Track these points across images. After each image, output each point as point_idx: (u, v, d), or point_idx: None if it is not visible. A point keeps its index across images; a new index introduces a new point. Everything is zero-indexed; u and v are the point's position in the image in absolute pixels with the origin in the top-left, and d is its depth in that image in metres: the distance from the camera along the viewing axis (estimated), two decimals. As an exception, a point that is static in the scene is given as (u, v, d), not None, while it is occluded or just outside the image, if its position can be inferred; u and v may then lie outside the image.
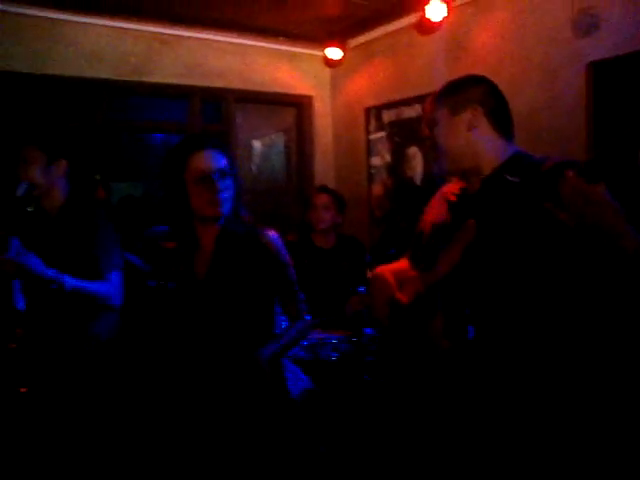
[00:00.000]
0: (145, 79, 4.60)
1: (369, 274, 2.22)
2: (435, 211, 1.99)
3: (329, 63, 5.29)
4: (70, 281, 2.36)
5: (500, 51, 4.02)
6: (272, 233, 2.24)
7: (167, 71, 4.69)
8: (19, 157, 2.57)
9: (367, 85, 5.11)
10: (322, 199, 3.98)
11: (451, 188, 1.98)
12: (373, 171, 5.08)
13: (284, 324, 2.42)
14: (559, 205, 1.55)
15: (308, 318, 2.48)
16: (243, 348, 2.10)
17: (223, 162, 2.14)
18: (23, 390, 2.43)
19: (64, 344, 2.47)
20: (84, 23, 4.32)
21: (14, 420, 2.45)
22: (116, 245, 2.56)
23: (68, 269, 2.41)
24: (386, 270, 2.07)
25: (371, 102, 5.06)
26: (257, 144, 5.58)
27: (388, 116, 4.90)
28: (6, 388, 2.46)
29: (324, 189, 4.20)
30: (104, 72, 4.43)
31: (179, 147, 2.17)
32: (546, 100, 3.77)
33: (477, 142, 1.80)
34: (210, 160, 2.12)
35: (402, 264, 2.06)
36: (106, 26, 4.41)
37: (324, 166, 5.49)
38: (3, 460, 2.38)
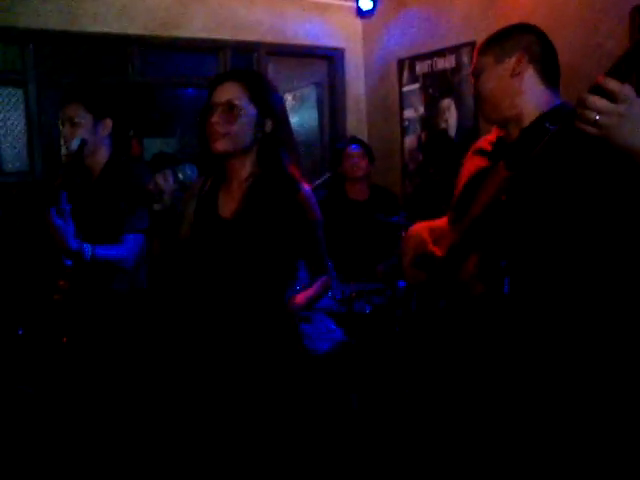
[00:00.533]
0: (175, 34, 4.57)
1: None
2: (469, 165, 1.98)
3: (361, 14, 5.20)
4: (89, 252, 2.36)
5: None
6: (307, 188, 2.11)
7: (197, 25, 4.65)
8: (64, 116, 2.58)
9: (400, 36, 5.00)
10: (355, 149, 4.03)
11: (487, 139, 1.96)
12: (406, 124, 5.02)
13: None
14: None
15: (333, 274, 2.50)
16: (264, 297, 2.04)
17: (235, 94, 2.00)
18: (64, 340, 2.51)
19: (92, 298, 2.54)
20: (113, -22, 4.29)
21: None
22: (144, 206, 2.53)
23: (94, 230, 2.45)
24: (421, 227, 2.07)
25: (404, 54, 4.97)
26: (289, 97, 5.54)
27: (421, 68, 4.81)
28: (51, 338, 2.55)
29: (355, 139, 4.23)
30: (134, 28, 4.41)
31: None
32: (585, 50, 3.62)
33: (520, 89, 1.78)
34: (220, 93, 2.01)
35: (439, 222, 2.05)
36: (136, -19, 4.38)
37: (356, 119, 5.44)
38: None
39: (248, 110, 2.01)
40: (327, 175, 3.81)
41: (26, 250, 3.15)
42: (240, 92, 2.01)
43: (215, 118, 1.99)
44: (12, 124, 4.14)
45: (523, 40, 1.80)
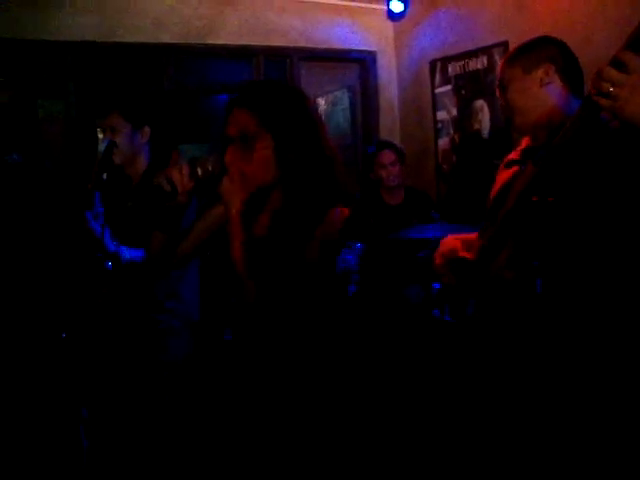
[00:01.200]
0: (209, 42, 4.65)
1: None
2: (500, 177, 2.02)
3: (392, 17, 5.20)
4: (126, 255, 2.42)
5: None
6: (337, 214, 1.80)
7: (230, 33, 4.72)
8: (103, 126, 2.64)
9: (431, 38, 5.00)
10: (389, 156, 3.99)
11: (517, 151, 2.02)
12: (439, 125, 5.01)
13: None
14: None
15: None
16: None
17: (248, 125, 1.74)
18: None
19: (129, 307, 2.59)
20: (149, -11, 4.39)
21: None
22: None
23: (133, 235, 2.49)
24: (454, 237, 2.12)
25: (436, 55, 4.96)
26: (322, 102, 5.58)
27: (454, 69, 4.80)
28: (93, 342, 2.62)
29: (387, 145, 4.18)
30: (169, 37, 4.50)
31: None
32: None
33: (549, 98, 1.86)
34: (231, 124, 1.78)
35: (471, 236, 2.09)
36: (169, -9, 4.47)
37: (389, 122, 5.45)
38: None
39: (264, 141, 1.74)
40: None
41: (65, 253, 3.22)
42: (251, 118, 1.74)
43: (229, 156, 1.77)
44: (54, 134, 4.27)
45: (548, 51, 1.89)
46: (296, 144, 1.73)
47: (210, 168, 1.74)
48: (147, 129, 2.68)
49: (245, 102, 1.76)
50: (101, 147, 2.56)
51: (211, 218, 1.97)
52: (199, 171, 1.73)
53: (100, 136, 2.68)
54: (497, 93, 2.02)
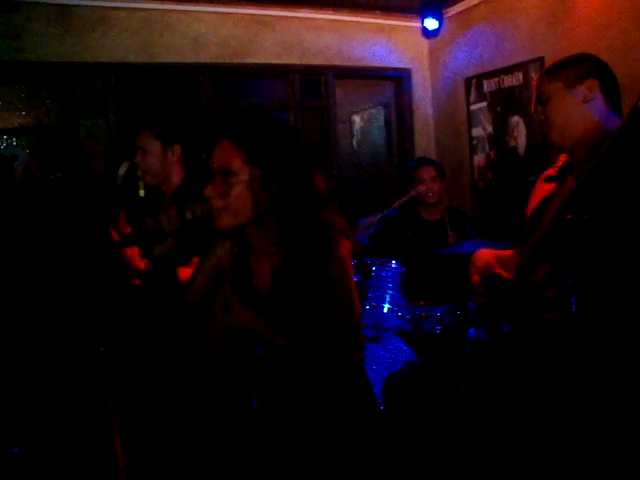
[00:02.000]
0: (246, 60, 4.73)
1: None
2: (538, 193, 1.99)
3: (427, 34, 5.24)
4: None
5: (608, 9, 3.79)
6: (342, 251, 1.71)
7: (266, 52, 4.79)
8: (137, 145, 2.69)
9: (466, 55, 5.00)
10: (429, 172, 3.95)
11: (554, 167, 1.98)
12: (475, 142, 5.00)
13: None
14: None
15: None
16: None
17: (229, 158, 1.66)
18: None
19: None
20: (187, 11, 4.48)
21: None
22: None
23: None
24: (488, 251, 2.08)
25: (471, 72, 4.96)
26: (357, 119, 5.61)
27: (489, 85, 4.79)
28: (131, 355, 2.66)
29: (425, 160, 4.16)
30: (206, 56, 4.59)
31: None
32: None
33: (590, 114, 1.82)
34: (215, 156, 1.71)
35: (505, 252, 2.06)
36: (207, 12, 4.55)
37: (425, 139, 5.45)
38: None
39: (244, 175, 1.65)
40: (410, 195, 3.76)
41: (95, 270, 3.28)
42: (237, 153, 1.66)
43: (214, 187, 1.68)
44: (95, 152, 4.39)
45: (590, 67, 1.85)
46: (279, 179, 1.66)
47: (199, 212, 1.68)
48: (177, 147, 2.69)
49: (230, 134, 1.70)
50: (121, 170, 2.62)
51: (216, 256, 1.84)
52: (188, 214, 1.69)
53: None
54: (534, 108, 1.95)
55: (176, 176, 2.72)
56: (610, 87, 1.85)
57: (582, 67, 1.85)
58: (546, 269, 1.77)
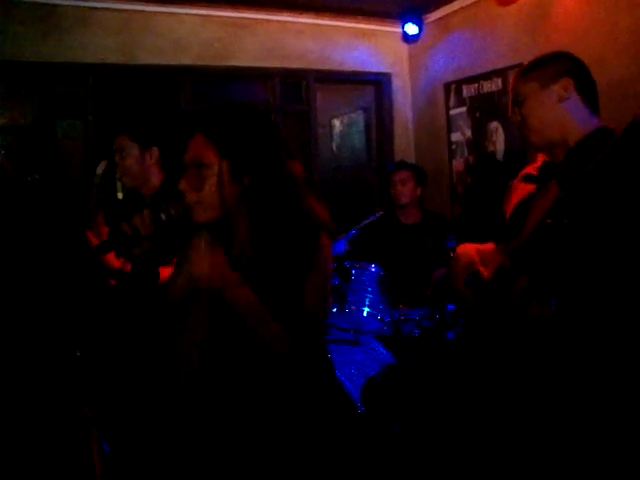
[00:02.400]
0: (226, 63, 4.71)
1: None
2: (518, 192, 1.99)
3: (407, 39, 5.26)
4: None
5: (586, 17, 3.86)
6: (326, 246, 1.70)
7: (247, 55, 4.79)
8: (114, 147, 2.66)
9: (446, 60, 5.04)
10: (399, 175, 4.02)
11: (533, 166, 1.98)
12: (454, 147, 5.04)
13: None
14: None
15: None
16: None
17: (201, 151, 1.67)
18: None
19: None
20: (168, 13, 4.46)
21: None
22: None
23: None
24: (470, 247, 2.07)
25: (450, 77, 5.00)
26: (337, 123, 5.62)
27: (468, 91, 4.83)
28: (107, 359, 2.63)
29: (401, 164, 4.22)
30: (188, 59, 4.57)
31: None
32: (637, 71, 3.59)
33: (567, 114, 1.80)
34: (188, 150, 1.71)
35: (487, 246, 2.06)
36: (188, 14, 4.54)
37: (404, 143, 5.48)
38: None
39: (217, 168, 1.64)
40: (374, 216, 3.79)
41: (71, 271, 3.23)
42: (208, 146, 1.65)
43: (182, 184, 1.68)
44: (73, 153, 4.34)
45: (565, 65, 1.83)
46: (250, 170, 1.64)
47: (173, 212, 1.68)
48: (155, 149, 2.67)
49: (201, 128, 1.68)
50: (98, 170, 2.60)
51: None
52: (162, 216, 1.69)
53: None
54: (511, 110, 1.93)
55: (155, 178, 2.70)
56: (586, 86, 1.83)
57: (557, 66, 1.83)
58: (529, 277, 1.77)
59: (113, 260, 2.49)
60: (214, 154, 1.64)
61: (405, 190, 3.99)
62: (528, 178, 1.96)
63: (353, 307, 3.31)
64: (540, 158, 1.96)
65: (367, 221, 3.70)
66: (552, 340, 1.72)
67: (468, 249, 2.06)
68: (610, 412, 1.65)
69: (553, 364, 1.73)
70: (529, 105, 1.84)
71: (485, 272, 1.91)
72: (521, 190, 1.97)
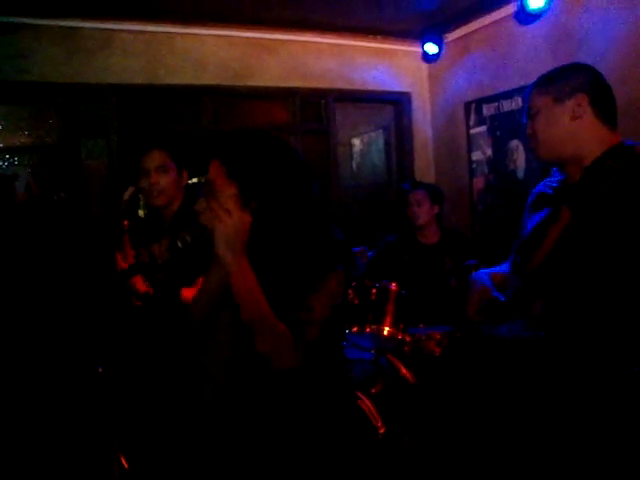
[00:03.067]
0: (247, 83, 4.77)
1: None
2: (532, 214, 1.97)
3: (427, 59, 5.29)
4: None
5: (606, 36, 3.85)
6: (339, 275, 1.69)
7: (268, 75, 4.84)
8: (146, 165, 2.63)
9: (466, 79, 5.05)
10: (415, 195, 4.01)
11: (547, 183, 1.96)
12: (474, 166, 5.03)
13: None
14: None
15: None
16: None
17: (215, 175, 1.69)
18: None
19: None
20: (190, 34, 4.53)
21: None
22: None
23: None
24: (484, 274, 2.06)
25: (471, 96, 5.01)
26: (357, 142, 5.65)
27: (488, 110, 4.83)
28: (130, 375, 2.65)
29: (416, 184, 4.21)
30: (208, 79, 4.63)
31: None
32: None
33: (580, 131, 1.76)
34: (208, 173, 1.74)
35: (500, 269, 2.06)
36: (210, 35, 4.60)
37: (424, 162, 5.48)
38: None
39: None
40: (391, 237, 3.80)
41: (97, 290, 3.27)
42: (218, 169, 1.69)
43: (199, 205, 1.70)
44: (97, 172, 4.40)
45: (582, 80, 1.78)
46: (257, 195, 1.65)
47: (189, 239, 1.71)
48: (186, 172, 2.70)
49: (217, 152, 1.72)
50: (125, 195, 2.60)
51: (218, 274, 1.78)
52: (179, 243, 1.71)
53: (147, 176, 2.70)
54: (525, 122, 1.88)
55: (178, 200, 2.71)
56: (603, 101, 1.78)
57: (572, 81, 1.78)
58: (545, 298, 1.76)
59: (139, 283, 2.51)
60: (225, 178, 1.66)
61: (421, 211, 3.97)
62: (542, 197, 1.94)
63: (373, 326, 3.30)
64: (557, 174, 1.94)
65: (385, 242, 3.72)
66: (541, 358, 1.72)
67: (482, 276, 2.04)
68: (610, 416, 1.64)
69: (558, 380, 1.72)
70: (541, 119, 1.80)
71: (501, 297, 1.89)
72: (535, 210, 1.96)
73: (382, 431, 2.89)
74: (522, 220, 2.03)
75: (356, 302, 3.35)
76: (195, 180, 4.67)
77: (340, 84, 5.10)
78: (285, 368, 1.63)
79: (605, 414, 1.64)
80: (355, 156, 5.61)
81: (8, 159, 4.18)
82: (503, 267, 2.08)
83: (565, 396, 1.71)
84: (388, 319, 3.32)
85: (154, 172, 2.61)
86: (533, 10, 4.19)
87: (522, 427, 1.85)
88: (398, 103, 5.45)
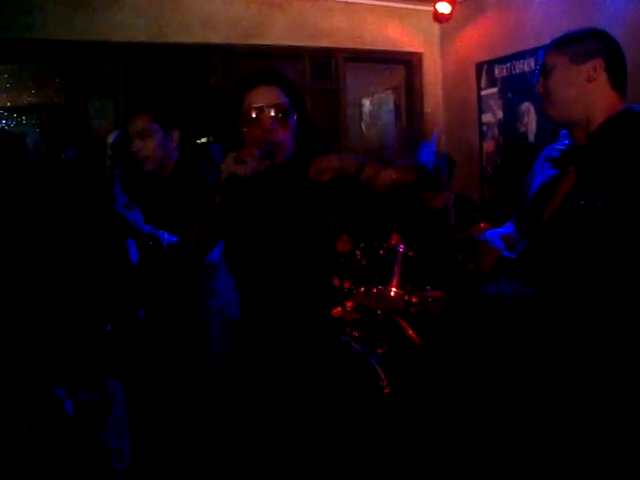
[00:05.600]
0: (256, 42, 4.70)
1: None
2: (539, 175, 1.98)
3: (438, 18, 5.18)
4: (166, 237, 2.33)
5: (623, -3, 3.77)
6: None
7: (277, 33, 4.77)
8: (130, 129, 2.55)
9: (478, 40, 4.97)
10: None
11: (555, 147, 1.97)
12: (485, 128, 4.98)
13: None
14: None
15: None
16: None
17: (280, 99, 1.82)
18: None
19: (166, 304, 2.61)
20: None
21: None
22: None
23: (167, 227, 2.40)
24: (493, 233, 2.09)
25: (482, 57, 4.93)
26: (367, 102, 5.59)
27: (500, 71, 4.76)
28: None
29: None
30: (217, 37, 4.57)
31: (234, 88, 1.89)
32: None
33: (592, 94, 1.79)
34: (262, 96, 1.81)
35: (509, 228, 2.08)
36: (219, -8, 4.54)
37: (434, 124, 5.43)
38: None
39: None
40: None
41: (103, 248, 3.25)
42: (283, 96, 1.83)
43: (271, 123, 1.80)
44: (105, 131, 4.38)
45: (600, 46, 1.81)
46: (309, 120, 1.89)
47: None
48: (177, 133, 2.59)
49: (275, 81, 1.85)
50: (109, 139, 2.52)
51: None
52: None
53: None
54: (536, 80, 1.90)
55: (171, 162, 2.61)
56: (616, 68, 1.81)
57: (590, 44, 1.81)
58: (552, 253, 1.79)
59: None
60: (290, 106, 1.85)
61: None
62: (550, 160, 1.96)
63: (380, 287, 3.32)
64: (563, 140, 1.95)
65: None
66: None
67: (492, 235, 2.07)
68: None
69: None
70: (556, 77, 1.82)
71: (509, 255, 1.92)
72: (542, 172, 1.97)
73: (387, 391, 2.93)
74: (527, 180, 2.05)
75: (363, 263, 3.36)
76: (204, 140, 4.67)
77: (350, 43, 5.03)
78: None
79: (605, 368, 1.67)
80: (365, 117, 5.56)
81: (15, 118, 4.17)
82: (507, 227, 2.10)
83: (564, 353, 1.74)
84: (395, 280, 3.34)
85: (136, 138, 2.53)
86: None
87: (524, 387, 1.88)
88: (409, 64, 5.37)
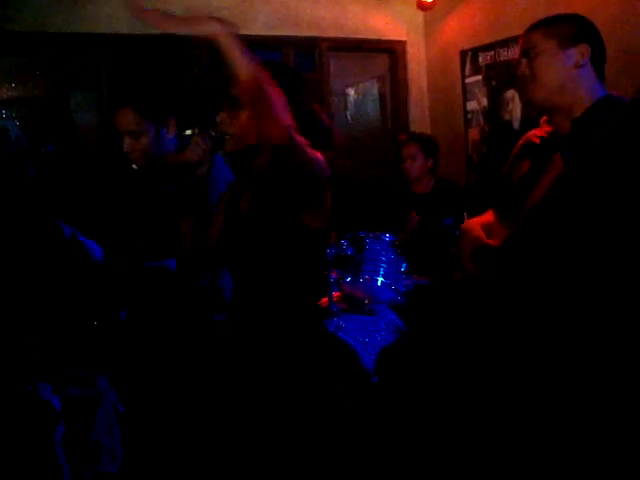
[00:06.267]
0: (239, 32, 4.65)
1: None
2: (520, 163, 1.98)
3: (422, 6, 5.15)
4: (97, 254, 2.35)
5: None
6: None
7: (260, 23, 4.74)
8: (127, 128, 2.46)
9: (462, 27, 4.96)
10: (408, 150, 4.01)
11: (535, 133, 1.96)
12: (469, 116, 4.98)
13: None
14: None
15: None
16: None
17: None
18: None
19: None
20: (179, -20, 4.41)
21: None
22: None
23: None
24: (475, 222, 2.09)
25: (466, 45, 4.92)
26: (351, 92, 5.57)
27: (484, 59, 4.75)
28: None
29: (410, 137, 4.18)
30: (200, 28, 4.52)
31: None
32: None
33: (578, 80, 1.78)
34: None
35: (490, 216, 2.07)
36: (200, -19, 4.49)
37: (419, 112, 5.42)
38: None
39: None
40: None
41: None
42: None
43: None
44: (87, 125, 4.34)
45: (587, 30, 1.80)
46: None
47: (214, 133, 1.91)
48: (172, 123, 2.51)
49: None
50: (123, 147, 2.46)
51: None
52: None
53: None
54: (517, 61, 1.86)
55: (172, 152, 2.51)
56: (599, 55, 1.81)
57: (577, 28, 1.79)
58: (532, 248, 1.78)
59: None
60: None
61: (415, 165, 3.98)
62: (530, 147, 1.93)
63: (367, 277, 3.32)
64: (544, 127, 1.93)
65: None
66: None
67: (473, 224, 2.07)
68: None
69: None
70: (543, 61, 1.79)
71: (492, 243, 1.91)
72: (522, 160, 1.95)
73: (372, 381, 2.94)
74: (508, 169, 2.04)
75: (350, 252, 3.36)
76: (189, 132, 4.63)
77: (334, 33, 5.00)
78: None
79: None
80: (350, 106, 5.54)
81: (-4, 112, 4.12)
82: (489, 216, 2.09)
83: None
84: (381, 269, 3.34)
85: (126, 137, 2.44)
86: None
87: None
88: (393, 52, 5.35)
